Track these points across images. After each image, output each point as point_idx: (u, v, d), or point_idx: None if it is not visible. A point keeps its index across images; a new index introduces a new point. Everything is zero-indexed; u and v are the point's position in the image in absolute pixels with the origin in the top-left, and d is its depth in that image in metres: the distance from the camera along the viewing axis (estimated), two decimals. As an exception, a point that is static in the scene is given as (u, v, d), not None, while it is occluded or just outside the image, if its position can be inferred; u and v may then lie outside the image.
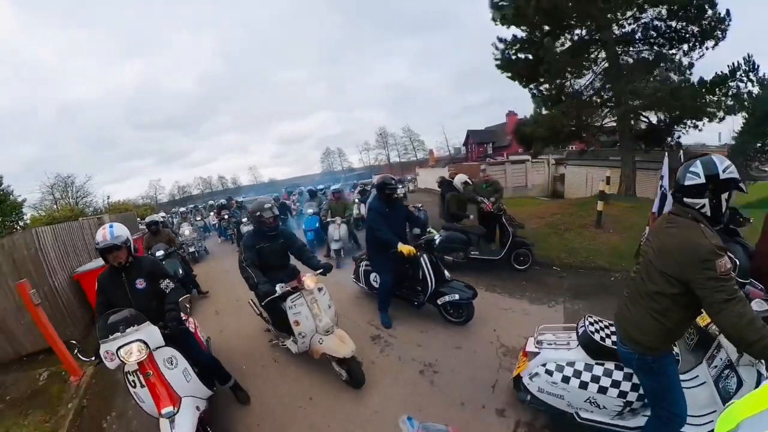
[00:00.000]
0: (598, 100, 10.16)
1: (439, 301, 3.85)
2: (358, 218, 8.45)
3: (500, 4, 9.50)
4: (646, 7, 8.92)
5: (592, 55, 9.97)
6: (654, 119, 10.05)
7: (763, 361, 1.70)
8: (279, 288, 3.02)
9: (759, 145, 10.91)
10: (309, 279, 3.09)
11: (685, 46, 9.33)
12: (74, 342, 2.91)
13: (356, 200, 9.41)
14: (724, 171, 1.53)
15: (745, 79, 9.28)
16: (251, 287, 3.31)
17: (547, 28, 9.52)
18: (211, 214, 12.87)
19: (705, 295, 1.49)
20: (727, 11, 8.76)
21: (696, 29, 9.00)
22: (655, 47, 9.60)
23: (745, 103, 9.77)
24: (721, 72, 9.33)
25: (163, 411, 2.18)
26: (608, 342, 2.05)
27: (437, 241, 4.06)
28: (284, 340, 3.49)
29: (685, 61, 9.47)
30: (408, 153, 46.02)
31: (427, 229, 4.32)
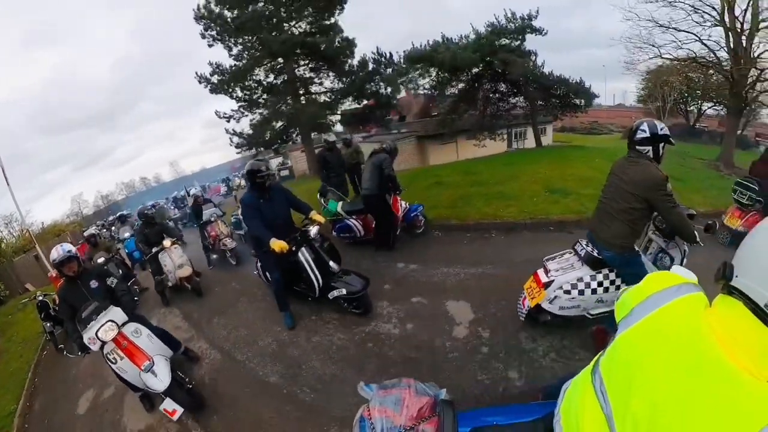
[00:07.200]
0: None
1: (330, 296, 3.56)
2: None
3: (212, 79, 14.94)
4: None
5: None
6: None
7: (686, 243, 2.71)
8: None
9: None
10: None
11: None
12: (62, 347, 4.29)
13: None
14: (660, 130, 2.36)
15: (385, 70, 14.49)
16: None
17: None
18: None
19: (661, 206, 2.33)
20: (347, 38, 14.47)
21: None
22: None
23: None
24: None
25: (143, 366, 2.81)
26: (598, 255, 2.74)
27: (313, 233, 3.58)
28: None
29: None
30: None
31: (309, 215, 3.69)
